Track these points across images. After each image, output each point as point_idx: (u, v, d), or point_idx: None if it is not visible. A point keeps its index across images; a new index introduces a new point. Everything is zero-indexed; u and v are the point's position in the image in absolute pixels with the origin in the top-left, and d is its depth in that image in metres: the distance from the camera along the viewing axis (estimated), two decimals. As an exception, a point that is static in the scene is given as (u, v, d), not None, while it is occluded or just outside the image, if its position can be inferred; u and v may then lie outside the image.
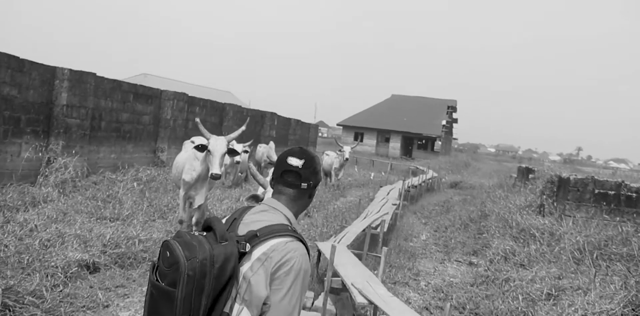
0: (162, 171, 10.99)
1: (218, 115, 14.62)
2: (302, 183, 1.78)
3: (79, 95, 8.88)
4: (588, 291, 5.07)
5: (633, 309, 3.85)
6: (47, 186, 7.98)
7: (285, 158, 1.80)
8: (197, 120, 6.14)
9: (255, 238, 1.57)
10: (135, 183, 9.36)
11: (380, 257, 7.08)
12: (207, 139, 5.95)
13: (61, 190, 8.00)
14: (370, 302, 3.96)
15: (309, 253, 1.65)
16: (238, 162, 9.82)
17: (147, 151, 11.54)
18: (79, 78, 8.86)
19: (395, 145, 42.32)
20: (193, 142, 6.92)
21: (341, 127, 46.45)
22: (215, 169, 5.77)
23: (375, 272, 5.17)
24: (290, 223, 1.73)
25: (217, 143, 5.86)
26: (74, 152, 8.79)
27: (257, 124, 18.05)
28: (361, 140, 41.77)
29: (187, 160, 6.59)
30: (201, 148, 5.91)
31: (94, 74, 9.30)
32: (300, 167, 1.78)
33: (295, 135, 22.05)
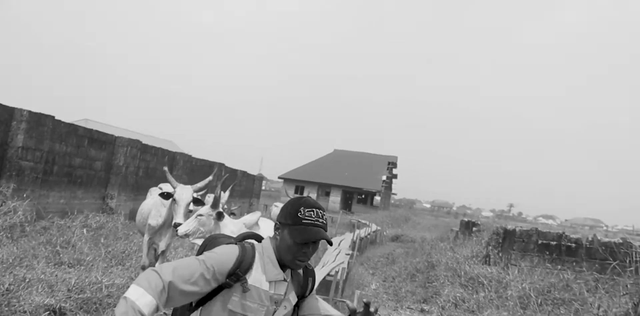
0: (111, 218, 10.77)
1: (169, 164, 14.58)
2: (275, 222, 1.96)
3: (35, 137, 8.77)
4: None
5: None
6: (-6, 230, 7.67)
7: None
8: (165, 168, 6.23)
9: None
10: (84, 230, 9.14)
11: (344, 302, 7.24)
12: (174, 188, 5.99)
13: (9, 235, 7.72)
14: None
15: (240, 256, 1.81)
16: (191, 211, 9.78)
17: (97, 197, 11.31)
18: (38, 120, 8.78)
19: (335, 199, 42.87)
20: (160, 189, 7.00)
21: (282, 180, 46.69)
22: (179, 219, 5.76)
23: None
24: (252, 246, 1.90)
25: (183, 193, 5.89)
26: (24, 195, 8.56)
27: (205, 174, 18.02)
28: (301, 193, 42.03)
29: (153, 206, 6.62)
30: (166, 195, 5.97)
31: (52, 117, 9.24)
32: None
33: (241, 187, 22.08)
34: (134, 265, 7.21)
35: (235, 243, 1.90)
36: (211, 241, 2.04)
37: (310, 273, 2.06)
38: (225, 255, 1.78)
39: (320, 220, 1.89)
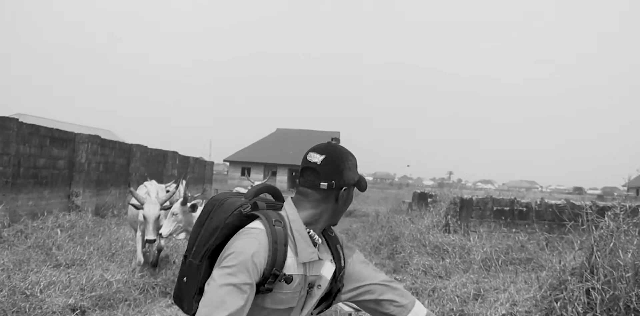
0: (79, 216, 10.82)
1: (125, 157, 14.58)
2: (322, 182, 1.55)
3: (2, 142, 8.72)
4: (506, 288, 6.31)
5: (550, 293, 5.07)
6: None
7: (307, 154, 1.61)
8: (131, 189, 6.56)
9: None
10: (59, 230, 9.23)
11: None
12: (142, 204, 6.29)
13: (-11, 242, 7.78)
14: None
15: (272, 250, 1.46)
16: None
17: (62, 196, 11.31)
18: (2, 124, 8.72)
19: (282, 178, 43.40)
20: (146, 186, 7.33)
21: (227, 163, 46.65)
22: (149, 235, 6.16)
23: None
24: (282, 222, 1.53)
25: (150, 209, 6.23)
26: (-2, 201, 8.56)
27: (160, 164, 18.08)
28: (249, 175, 42.28)
29: (144, 202, 6.95)
30: (137, 207, 6.39)
31: (16, 120, 9.17)
32: (319, 163, 1.56)
33: (194, 173, 22.19)
34: (124, 261, 7.49)
35: (259, 224, 1.51)
36: (216, 207, 1.59)
37: (334, 241, 1.71)
38: (255, 255, 1.42)
39: None
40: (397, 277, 8.93)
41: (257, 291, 1.44)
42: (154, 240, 6.24)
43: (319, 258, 1.57)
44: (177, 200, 6.20)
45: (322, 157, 1.56)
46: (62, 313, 4.84)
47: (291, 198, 1.64)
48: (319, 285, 1.59)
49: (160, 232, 5.92)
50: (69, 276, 5.85)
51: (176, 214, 5.75)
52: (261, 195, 1.69)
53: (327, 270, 1.61)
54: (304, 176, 1.59)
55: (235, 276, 1.38)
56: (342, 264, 1.65)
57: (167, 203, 6.42)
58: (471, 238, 8.76)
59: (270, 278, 1.43)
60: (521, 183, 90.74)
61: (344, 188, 1.57)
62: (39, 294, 5.23)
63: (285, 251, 1.47)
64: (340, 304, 5.09)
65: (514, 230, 8.81)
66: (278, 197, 1.73)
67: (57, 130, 10.93)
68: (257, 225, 1.51)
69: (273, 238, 1.46)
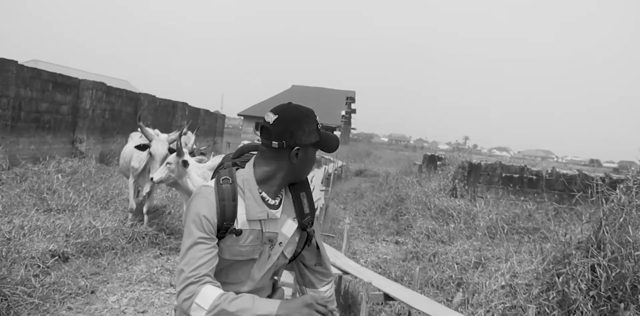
0: (83, 162, 10.69)
1: (132, 105, 14.33)
2: (273, 142, 1.62)
3: (0, 84, 8.47)
4: (509, 258, 6.05)
5: (553, 266, 4.78)
6: (-30, 179, 7.60)
7: (265, 114, 1.66)
8: (140, 123, 6.19)
9: None
10: (59, 175, 9.11)
11: (331, 236, 7.72)
12: (150, 141, 6.02)
13: (-15, 183, 7.67)
14: (345, 272, 4.53)
15: (220, 206, 1.60)
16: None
17: (66, 142, 11.15)
18: (1, 66, 8.44)
19: (296, 134, 43.09)
20: (137, 134, 7.05)
21: (242, 118, 46.40)
22: (155, 174, 5.91)
23: (339, 250, 5.74)
24: (232, 182, 1.65)
25: (159, 147, 5.96)
26: (-5, 143, 8.40)
27: (169, 114, 17.83)
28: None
29: (135, 150, 6.69)
30: (142, 147, 6.04)
31: (16, 62, 8.87)
32: (271, 122, 1.62)
33: (204, 125, 21.96)
34: (118, 208, 7.36)
35: (209, 184, 1.67)
36: (223, 163, 1.82)
37: (298, 189, 1.79)
38: (206, 211, 1.59)
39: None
40: (400, 239, 8.73)
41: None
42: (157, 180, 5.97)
43: (269, 217, 1.67)
44: (186, 145, 6.09)
45: (275, 117, 1.62)
46: (41, 258, 4.69)
47: (254, 156, 1.74)
48: (280, 242, 1.71)
49: (150, 175, 5.74)
50: (53, 222, 5.69)
51: (170, 164, 5.55)
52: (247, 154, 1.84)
53: (288, 227, 1.73)
54: (262, 135, 1.67)
55: (193, 234, 1.57)
56: (307, 211, 1.76)
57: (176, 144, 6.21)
58: (477, 204, 8.47)
59: (221, 230, 1.60)
60: (537, 152, 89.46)
61: (296, 147, 1.63)
62: (21, 238, 5.09)
63: (235, 206, 1.62)
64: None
65: (522, 198, 8.50)
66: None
67: (60, 75, 10.64)
68: (210, 183, 1.67)
69: (220, 195, 1.61)
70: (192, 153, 6.38)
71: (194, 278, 1.51)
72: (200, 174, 5.61)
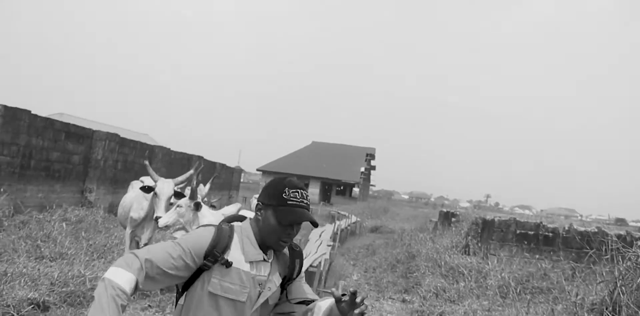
0: (90, 212, 10.66)
1: (147, 157, 14.46)
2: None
3: (11, 132, 8.62)
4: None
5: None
6: (-28, 225, 7.56)
7: None
8: (146, 162, 6.17)
9: None
10: (64, 224, 9.04)
11: (328, 292, 7.33)
12: (155, 181, 5.96)
13: (-13, 230, 7.61)
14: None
15: (215, 237, 1.77)
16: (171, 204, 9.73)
17: (75, 191, 11.18)
18: (13, 115, 8.63)
19: (314, 190, 42.96)
20: (142, 182, 6.97)
21: (260, 173, 46.61)
22: (160, 212, 5.73)
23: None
24: (230, 228, 1.85)
25: (164, 187, 5.87)
26: (1, 190, 8.43)
27: (184, 167, 17.91)
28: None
29: (135, 199, 6.60)
30: (147, 189, 5.94)
31: (29, 112, 9.09)
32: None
33: (220, 179, 22.02)
34: (115, 258, 7.17)
35: (212, 225, 1.87)
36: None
37: (297, 255, 1.99)
38: (201, 236, 1.75)
39: (305, 201, 1.84)
40: (407, 298, 8.30)
41: (201, 272, 1.74)
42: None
43: (265, 260, 1.83)
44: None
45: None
46: (17, 306, 4.49)
47: (249, 218, 1.95)
48: (269, 287, 1.84)
49: (155, 214, 5.53)
50: (39, 270, 5.52)
51: (181, 207, 5.20)
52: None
53: (277, 277, 1.89)
54: None
55: (178, 240, 1.74)
56: (294, 276, 1.96)
57: (181, 186, 6.12)
58: (490, 262, 8.06)
59: (210, 257, 1.71)
60: (560, 210, 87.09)
61: (259, 203, 1.86)
62: (2, 285, 4.91)
63: (229, 241, 1.78)
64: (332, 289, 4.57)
65: (537, 256, 8.07)
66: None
67: (73, 125, 10.85)
68: (207, 226, 1.86)
69: (218, 231, 1.79)
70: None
71: (138, 254, 1.64)
72: (213, 221, 5.06)
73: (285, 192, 1.81)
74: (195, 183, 5.78)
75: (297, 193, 1.82)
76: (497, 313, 6.29)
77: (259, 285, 1.81)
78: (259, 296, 1.81)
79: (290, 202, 1.81)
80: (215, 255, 1.71)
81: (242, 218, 1.98)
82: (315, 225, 1.88)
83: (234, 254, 1.77)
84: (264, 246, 1.84)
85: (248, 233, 1.84)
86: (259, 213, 1.84)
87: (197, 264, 1.71)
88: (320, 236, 11.77)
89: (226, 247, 1.75)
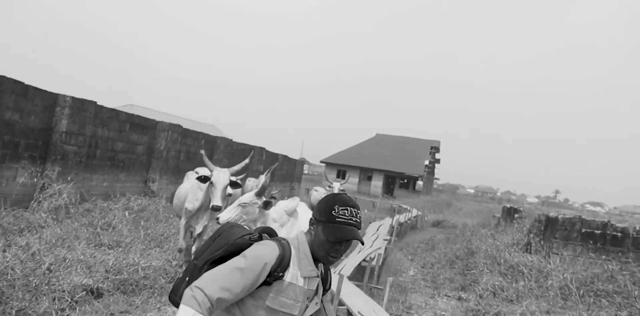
0: (152, 201, 11.00)
1: (209, 148, 14.76)
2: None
3: (78, 122, 8.99)
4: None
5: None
6: (41, 211, 7.95)
7: None
8: (202, 152, 6.22)
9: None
10: (127, 212, 9.36)
11: (379, 288, 7.20)
12: (211, 171, 5.99)
13: (54, 216, 7.99)
14: None
15: (280, 255, 1.83)
16: (230, 195, 9.91)
17: (139, 181, 11.57)
18: (80, 106, 8.99)
19: (377, 183, 42.64)
20: (197, 173, 7.04)
21: (324, 164, 46.74)
22: (217, 201, 5.77)
23: (380, 302, 5.27)
24: (288, 242, 1.91)
25: (220, 176, 5.89)
26: (69, 178, 8.81)
27: (245, 158, 18.20)
28: (343, 178, 41.95)
29: (190, 190, 6.68)
30: (204, 179, 5.96)
31: (95, 103, 9.44)
32: None
33: (282, 171, 22.20)
34: (171, 248, 7.33)
35: (270, 240, 1.91)
36: (226, 231, 1.99)
37: (328, 267, 2.08)
38: (268, 256, 1.80)
39: (355, 219, 1.87)
40: (463, 295, 8.01)
41: (261, 287, 1.78)
42: (220, 207, 5.70)
43: (318, 276, 1.93)
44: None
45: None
46: (71, 292, 4.64)
47: (303, 232, 2.01)
48: (317, 302, 1.95)
49: (218, 215, 5.40)
50: (94, 257, 5.70)
51: (245, 205, 4.68)
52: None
53: (321, 291, 1.99)
54: None
55: (244, 265, 1.74)
56: (327, 287, 2.06)
57: (240, 177, 6.14)
58: (552, 261, 7.60)
59: (271, 276, 1.78)
60: (635, 208, 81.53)
61: (312, 218, 1.93)
62: (60, 271, 5.11)
63: (289, 260, 1.85)
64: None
65: (603, 257, 7.51)
66: (273, 235, 2.04)
67: (138, 116, 11.20)
68: (265, 241, 1.90)
69: (281, 248, 1.85)
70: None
71: (208, 293, 1.65)
72: (276, 219, 4.80)
73: (335, 209, 1.86)
74: (267, 179, 5.35)
75: (346, 211, 1.86)
76: (556, 315, 5.92)
77: (307, 298, 1.89)
78: (306, 309, 1.90)
79: (338, 219, 1.85)
80: (277, 273, 1.80)
81: (270, 230, 2.04)
82: (362, 243, 1.92)
83: (292, 270, 1.85)
84: (315, 260, 1.93)
85: (305, 248, 1.91)
86: (312, 228, 1.92)
87: (260, 282, 1.79)
88: (377, 230, 11.60)
89: (287, 265, 1.84)
